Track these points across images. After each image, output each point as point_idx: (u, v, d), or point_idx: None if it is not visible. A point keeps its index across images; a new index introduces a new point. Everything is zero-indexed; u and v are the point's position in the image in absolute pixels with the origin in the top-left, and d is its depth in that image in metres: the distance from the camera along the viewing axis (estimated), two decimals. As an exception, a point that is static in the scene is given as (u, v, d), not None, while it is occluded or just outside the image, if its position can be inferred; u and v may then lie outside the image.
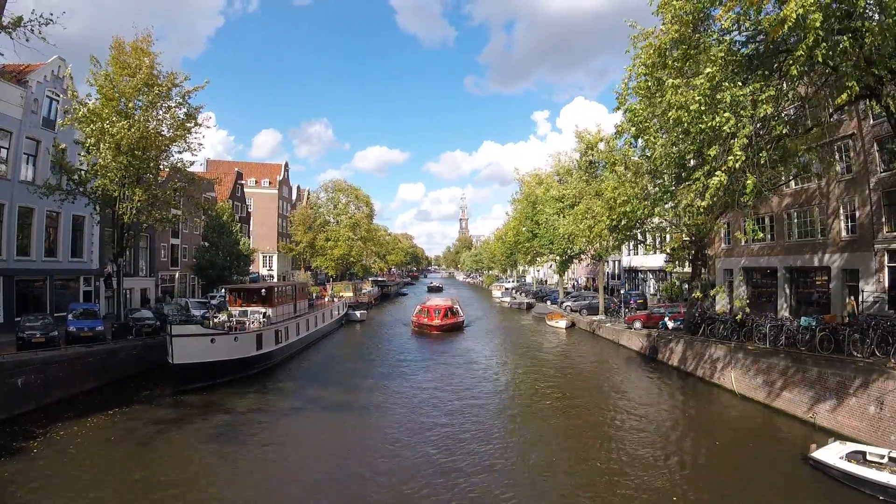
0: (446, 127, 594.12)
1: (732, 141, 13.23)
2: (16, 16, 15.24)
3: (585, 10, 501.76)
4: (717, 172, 13.42)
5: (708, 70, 13.31)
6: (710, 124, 13.38)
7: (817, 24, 11.09)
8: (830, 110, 18.67)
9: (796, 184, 28.87)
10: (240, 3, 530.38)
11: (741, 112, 13.21)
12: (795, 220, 30.13)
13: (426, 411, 21.40)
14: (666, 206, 26.04)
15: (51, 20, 15.54)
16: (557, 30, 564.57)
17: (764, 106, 13.04)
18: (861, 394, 16.56)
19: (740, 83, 13.42)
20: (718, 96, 13.10)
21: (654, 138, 18.03)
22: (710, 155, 14.21)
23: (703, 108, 13.39)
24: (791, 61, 12.87)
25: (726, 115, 12.95)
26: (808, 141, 18.37)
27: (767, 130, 14.73)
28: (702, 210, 17.55)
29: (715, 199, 14.86)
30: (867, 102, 21.52)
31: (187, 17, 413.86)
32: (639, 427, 19.38)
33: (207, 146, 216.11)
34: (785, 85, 14.96)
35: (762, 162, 14.12)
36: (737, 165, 13.12)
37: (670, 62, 14.89)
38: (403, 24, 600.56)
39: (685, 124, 14.28)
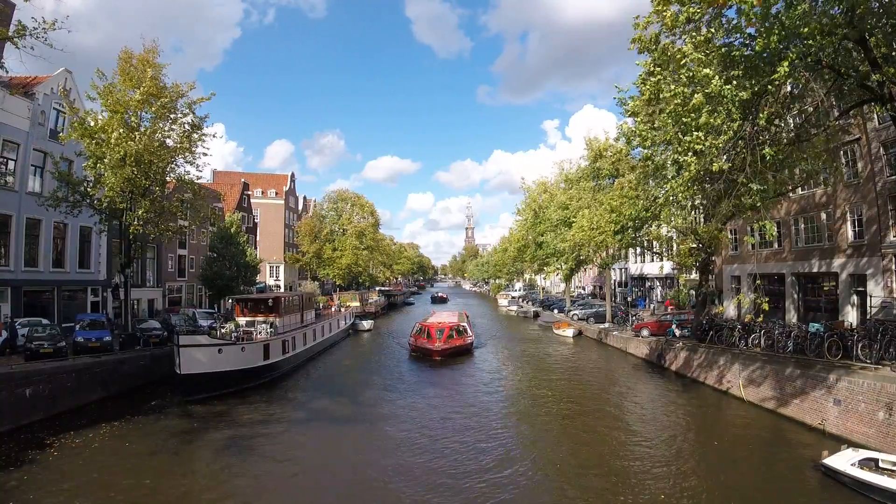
0: (457, 136, 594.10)
1: (719, 136, 13.18)
2: (21, 24, 15.08)
3: (599, 20, 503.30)
4: (690, 156, 13.46)
5: (693, 56, 13.31)
6: (699, 119, 13.33)
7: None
8: (836, 114, 18.63)
9: (803, 189, 28.76)
10: (256, 15, 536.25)
11: (731, 107, 13.13)
12: (802, 226, 30.01)
13: (433, 420, 21.33)
14: (672, 209, 25.91)
15: (55, 26, 15.28)
16: (570, 40, 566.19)
17: (759, 100, 13.03)
18: (870, 400, 16.39)
19: (732, 81, 13.35)
20: (707, 90, 13.05)
21: (654, 132, 17.61)
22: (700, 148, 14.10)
23: (690, 89, 13.36)
24: (786, 63, 12.80)
25: (707, 98, 12.91)
26: (814, 146, 18.25)
27: (767, 132, 14.65)
28: (681, 196, 17.33)
29: (692, 190, 14.77)
30: (872, 106, 21.50)
31: (204, 29, 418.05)
32: (647, 434, 19.24)
33: (217, 158, 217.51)
34: (788, 88, 14.93)
35: (764, 161, 14.04)
36: (714, 150, 13.16)
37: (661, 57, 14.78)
38: (419, 36, 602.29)
39: (675, 112, 14.22)
